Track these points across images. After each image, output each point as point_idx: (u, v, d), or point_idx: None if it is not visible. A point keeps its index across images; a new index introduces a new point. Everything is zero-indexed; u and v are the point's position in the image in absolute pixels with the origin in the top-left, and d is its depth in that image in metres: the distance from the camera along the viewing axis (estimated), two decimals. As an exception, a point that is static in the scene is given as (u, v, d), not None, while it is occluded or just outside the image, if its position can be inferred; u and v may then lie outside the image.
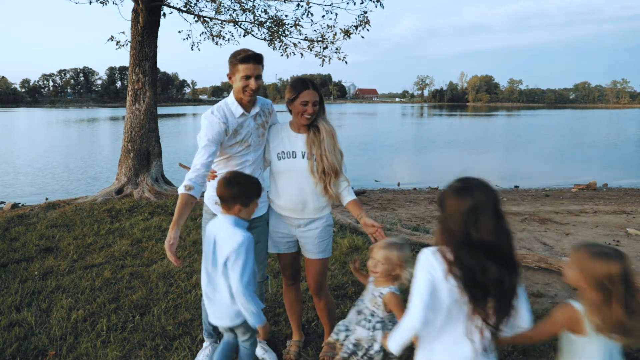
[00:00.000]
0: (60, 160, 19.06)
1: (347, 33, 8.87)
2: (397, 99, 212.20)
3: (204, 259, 2.50)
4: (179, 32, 9.42)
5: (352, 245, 5.32)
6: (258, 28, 9.01)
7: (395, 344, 1.85)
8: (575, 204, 10.00)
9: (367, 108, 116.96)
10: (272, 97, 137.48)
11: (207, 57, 52.54)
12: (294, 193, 2.83)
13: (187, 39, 9.54)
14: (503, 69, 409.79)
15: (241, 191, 2.37)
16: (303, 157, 2.79)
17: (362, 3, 8.60)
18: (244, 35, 9.19)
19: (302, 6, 8.62)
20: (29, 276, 4.43)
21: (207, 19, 9.18)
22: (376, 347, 2.41)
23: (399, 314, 2.27)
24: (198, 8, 9.16)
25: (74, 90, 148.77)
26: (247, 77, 2.65)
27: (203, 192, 2.80)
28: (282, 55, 9.17)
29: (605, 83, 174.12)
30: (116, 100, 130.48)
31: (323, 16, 8.70)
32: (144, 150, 8.43)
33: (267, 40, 9.10)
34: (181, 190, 2.60)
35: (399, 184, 14.06)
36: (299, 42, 9.09)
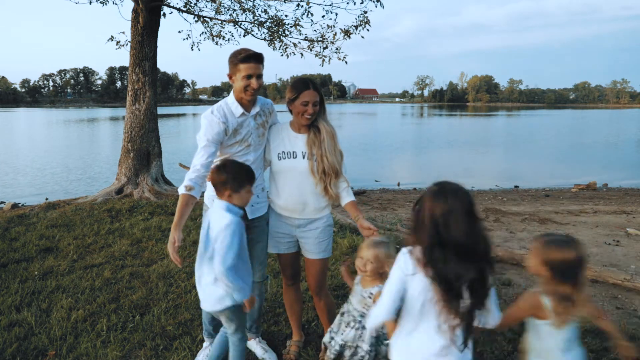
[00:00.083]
0: (60, 160, 19.05)
1: (347, 33, 8.86)
2: (397, 99, 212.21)
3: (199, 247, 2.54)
4: (179, 32, 9.42)
5: (352, 245, 5.32)
6: (258, 28, 9.01)
7: (368, 327, 2.10)
8: (575, 204, 10.00)
9: (367, 108, 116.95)
10: (272, 97, 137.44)
11: (207, 57, 52.52)
12: (294, 193, 2.83)
13: (187, 39, 9.54)
14: (503, 69, 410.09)
15: (230, 177, 2.41)
16: (303, 157, 2.79)
17: (362, 3, 8.60)
18: (244, 35, 9.19)
19: (302, 6, 8.62)
20: (29, 276, 4.43)
21: (207, 19, 9.18)
22: (365, 347, 2.43)
23: None
24: (198, 8, 9.16)
25: (74, 90, 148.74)
26: (249, 77, 2.65)
27: (203, 192, 2.81)
28: (282, 55, 9.18)
29: (605, 83, 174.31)
30: (116, 100, 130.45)
31: (323, 16, 8.70)
32: (144, 150, 8.43)
33: (267, 40, 9.10)
34: (181, 190, 2.60)
35: (399, 184, 14.06)
36: (299, 42, 9.09)
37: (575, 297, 1.92)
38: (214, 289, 2.44)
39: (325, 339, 2.62)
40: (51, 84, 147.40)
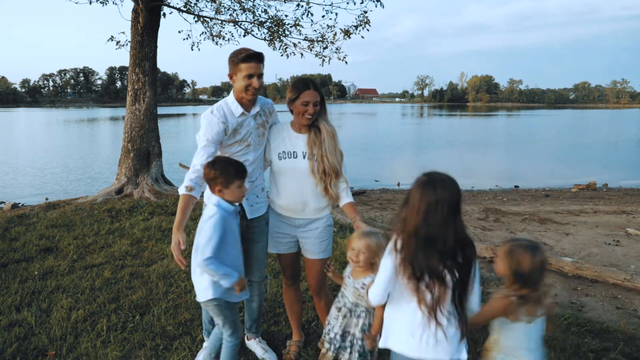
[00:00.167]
0: (60, 160, 19.05)
1: (347, 33, 8.86)
2: (397, 99, 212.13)
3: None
4: (179, 32, 9.42)
5: (352, 245, 5.31)
6: (258, 28, 9.01)
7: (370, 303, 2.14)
8: (575, 204, 10.00)
9: (367, 108, 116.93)
10: (272, 97, 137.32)
11: (207, 57, 52.55)
12: (294, 193, 2.83)
13: (187, 39, 9.54)
14: (503, 69, 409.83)
15: (218, 173, 2.46)
16: (304, 157, 2.79)
17: (362, 3, 8.60)
18: (244, 35, 9.19)
19: (302, 6, 8.62)
20: (29, 276, 4.43)
21: (207, 19, 9.18)
22: (358, 334, 2.51)
23: None
24: (198, 8, 9.16)
25: (74, 90, 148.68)
26: (250, 76, 2.65)
27: (203, 192, 2.81)
28: (282, 55, 9.17)
29: (605, 83, 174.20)
30: (116, 100, 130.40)
31: (323, 16, 8.70)
32: (144, 150, 8.42)
33: (267, 40, 9.10)
34: (182, 191, 2.60)
35: (399, 184, 14.05)
36: (299, 42, 9.09)
37: (538, 298, 2.03)
38: (200, 280, 2.52)
39: (326, 330, 2.65)
40: (51, 84, 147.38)
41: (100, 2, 8.68)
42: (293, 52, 9.20)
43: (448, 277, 1.87)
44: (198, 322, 3.48)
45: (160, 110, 10.95)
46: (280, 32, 8.96)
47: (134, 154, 8.34)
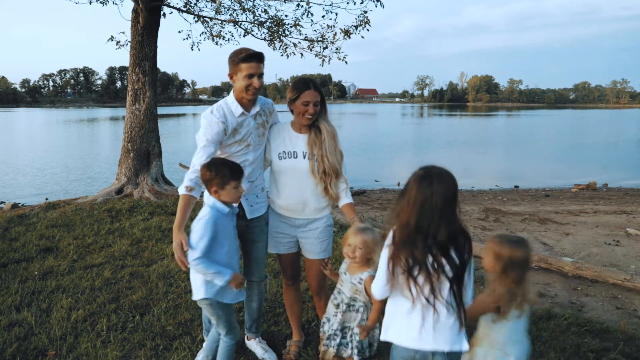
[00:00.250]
0: (60, 160, 19.05)
1: (347, 33, 8.86)
2: (397, 99, 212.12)
3: None
4: (179, 32, 9.42)
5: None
6: (258, 28, 9.01)
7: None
8: (575, 204, 9.99)
9: (367, 108, 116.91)
10: (272, 97, 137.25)
11: (207, 57, 52.57)
12: (294, 193, 2.83)
13: (187, 39, 9.54)
14: (503, 69, 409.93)
15: (213, 174, 2.47)
16: (304, 157, 2.79)
17: (362, 3, 8.60)
18: (244, 35, 9.19)
19: (302, 6, 8.62)
20: (29, 276, 4.43)
21: (207, 19, 9.18)
22: (356, 330, 2.52)
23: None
24: (198, 8, 9.16)
25: (74, 90, 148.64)
26: (250, 76, 2.65)
27: (202, 192, 2.81)
28: (282, 55, 9.17)
29: (605, 83, 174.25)
30: (116, 100, 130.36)
31: (323, 16, 8.70)
32: (144, 150, 8.42)
33: (267, 40, 9.10)
34: (182, 191, 2.60)
35: (399, 184, 14.05)
36: (299, 42, 9.09)
37: (525, 292, 2.07)
38: (193, 279, 2.55)
39: (325, 328, 2.65)
40: (51, 84, 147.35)
41: (100, 2, 8.69)
42: (293, 52, 9.20)
43: (445, 269, 1.88)
44: (198, 322, 3.48)
45: (160, 110, 10.95)
46: (280, 32, 8.96)
47: (134, 154, 8.34)
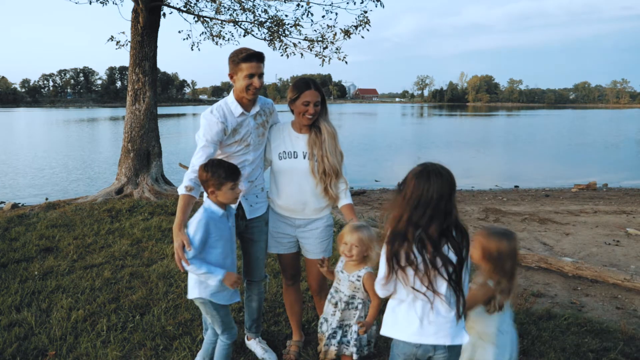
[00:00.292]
0: (60, 160, 19.05)
1: (347, 33, 8.86)
2: (397, 99, 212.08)
3: None
4: (179, 32, 9.42)
5: (352, 245, 5.31)
6: (258, 28, 9.01)
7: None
8: (575, 204, 10.00)
9: (367, 108, 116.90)
10: (272, 97, 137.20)
11: (207, 57, 52.56)
12: (294, 193, 2.83)
13: (187, 39, 9.54)
14: (503, 69, 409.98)
15: (209, 175, 2.49)
16: (304, 157, 2.79)
17: (362, 3, 8.59)
18: (244, 35, 9.18)
19: (302, 6, 8.61)
20: (29, 276, 4.43)
21: (207, 19, 9.18)
22: (355, 328, 2.53)
23: (373, 293, 2.41)
24: (198, 8, 9.16)
25: (74, 90, 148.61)
26: (251, 76, 2.65)
27: (202, 192, 2.81)
28: (282, 55, 9.17)
29: (605, 83, 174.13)
30: (116, 100, 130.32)
31: (323, 16, 8.69)
32: (144, 150, 8.42)
33: (267, 40, 9.09)
34: (181, 191, 2.60)
35: (398, 184, 14.05)
36: (299, 42, 9.08)
37: (510, 284, 2.12)
38: (189, 278, 2.58)
39: (323, 328, 2.64)
40: (51, 84, 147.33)
41: (100, 2, 8.68)
42: (293, 52, 9.20)
43: (438, 263, 1.89)
44: (198, 322, 3.48)
45: (160, 110, 10.95)
46: (280, 32, 8.96)
47: (134, 154, 8.34)
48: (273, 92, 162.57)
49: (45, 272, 4.54)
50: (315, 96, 2.69)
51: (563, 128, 42.77)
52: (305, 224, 2.90)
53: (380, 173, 15.94)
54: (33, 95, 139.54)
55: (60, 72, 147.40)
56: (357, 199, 10.51)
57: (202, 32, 9.43)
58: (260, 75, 2.68)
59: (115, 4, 8.84)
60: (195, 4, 9.12)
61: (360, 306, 2.54)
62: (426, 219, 1.86)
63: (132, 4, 8.16)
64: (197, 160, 2.64)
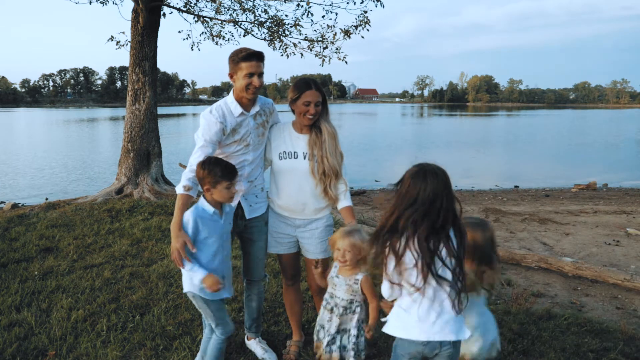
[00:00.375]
0: (60, 160, 19.06)
1: (347, 33, 8.85)
2: (397, 99, 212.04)
3: None
4: (179, 32, 9.41)
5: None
6: (258, 28, 9.00)
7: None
8: (575, 204, 10.00)
9: (367, 108, 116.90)
10: (272, 97, 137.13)
11: (207, 57, 52.52)
12: (293, 193, 2.83)
13: (187, 39, 9.54)
14: (503, 69, 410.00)
15: (206, 173, 2.51)
16: (304, 157, 2.79)
17: (362, 3, 8.59)
18: (244, 35, 9.18)
19: (302, 6, 8.61)
20: (29, 276, 4.43)
21: (207, 19, 9.18)
22: (354, 332, 2.52)
23: (372, 296, 2.45)
24: (198, 8, 9.15)
25: (74, 90, 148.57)
26: (251, 75, 2.65)
27: (199, 191, 2.81)
28: (282, 55, 9.16)
29: (605, 83, 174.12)
30: (116, 100, 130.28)
31: (323, 16, 8.69)
32: (144, 150, 8.42)
33: (267, 40, 9.09)
34: (179, 190, 2.60)
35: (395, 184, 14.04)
36: (299, 42, 9.08)
37: (490, 269, 2.21)
38: (182, 272, 2.61)
39: (315, 340, 2.64)
40: (51, 84, 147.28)
41: (100, 2, 8.68)
42: (293, 52, 9.20)
43: (440, 262, 1.92)
44: (198, 322, 3.48)
45: (160, 110, 10.95)
46: (280, 32, 8.96)
47: (134, 154, 8.34)
48: (273, 92, 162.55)
49: (45, 272, 4.54)
50: (316, 96, 2.69)
51: (563, 128, 42.77)
52: (305, 224, 2.89)
53: (380, 173, 15.95)
54: (33, 95, 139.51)
55: (60, 72, 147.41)
56: (357, 199, 10.52)
57: (202, 32, 9.43)
58: (260, 74, 2.68)
59: (115, 4, 8.85)
60: (195, 4, 9.12)
61: (358, 309, 2.53)
62: (423, 217, 1.89)
63: (132, 4, 8.16)
64: (195, 159, 2.64)
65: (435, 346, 1.97)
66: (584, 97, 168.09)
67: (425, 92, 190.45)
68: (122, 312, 3.68)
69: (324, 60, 9.10)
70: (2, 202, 10.36)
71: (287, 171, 2.83)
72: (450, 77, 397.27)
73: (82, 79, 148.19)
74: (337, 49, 9.04)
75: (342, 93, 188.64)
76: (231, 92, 2.81)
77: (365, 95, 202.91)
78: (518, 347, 3.20)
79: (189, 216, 2.50)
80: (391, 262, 1.96)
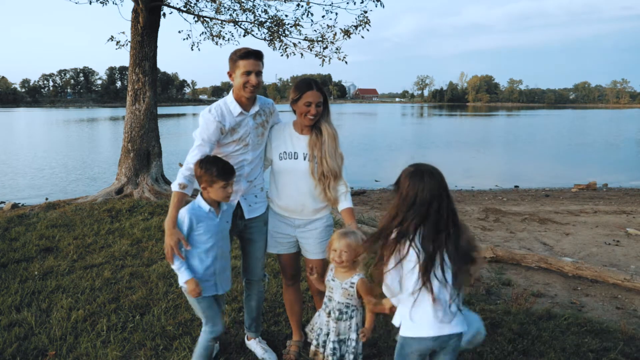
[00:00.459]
0: (60, 160, 19.05)
1: (347, 33, 8.85)
2: (397, 99, 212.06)
3: None
4: (179, 32, 9.41)
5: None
6: (258, 28, 9.00)
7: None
8: (575, 204, 10.00)
9: (367, 108, 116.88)
10: (272, 97, 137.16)
11: (207, 57, 52.55)
12: (293, 194, 2.83)
13: (187, 39, 9.53)
14: (503, 69, 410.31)
15: (203, 171, 2.53)
16: (304, 158, 2.79)
17: (362, 3, 8.59)
18: (244, 35, 9.18)
19: (302, 6, 8.61)
20: (29, 276, 4.43)
21: (207, 19, 9.18)
22: (353, 336, 2.52)
23: (368, 299, 2.43)
24: (198, 8, 9.15)
25: (74, 90, 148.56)
26: (248, 73, 2.65)
27: (195, 190, 2.81)
28: (282, 55, 9.16)
29: (605, 83, 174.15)
30: (116, 100, 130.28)
31: (323, 16, 8.69)
32: (144, 150, 8.42)
33: (267, 40, 9.09)
34: (175, 188, 2.61)
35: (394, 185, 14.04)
36: (299, 42, 9.08)
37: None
38: None
39: (312, 345, 2.63)
40: (51, 84, 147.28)
41: (100, 2, 8.68)
42: (293, 52, 9.19)
43: (439, 261, 1.96)
44: (198, 322, 3.47)
45: (160, 110, 10.95)
46: (280, 32, 8.95)
47: (134, 154, 8.34)
48: (273, 92, 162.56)
49: (45, 272, 4.54)
50: (317, 97, 2.69)
51: (563, 128, 42.76)
52: (305, 224, 2.89)
53: (380, 173, 15.94)
54: (33, 95, 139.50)
55: (60, 72, 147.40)
56: (357, 199, 10.52)
57: (202, 32, 9.43)
58: (258, 73, 2.68)
59: (115, 4, 8.84)
60: (195, 4, 9.12)
61: (354, 314, 2.53)
62: (425, 218, 1.93)
63: (132, 4, 8.16)
64: (192, 158, 2.64)
65: (444, 340, 2.02)
66: (584, 97, 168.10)
67: (425, 92, 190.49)
68: (122, 312, 3.68)
69: (324, 60, 9.09)
70: (2, 202, 10.36)
71: (287, 172, 2.83)
72: (450, 77, 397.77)
73: (82, 79, 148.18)
74: (337, 49, 9.04)
75: (342, 93, 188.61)
76: (231, 92, 2.81)
77: (365, 95, 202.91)
78: (518, 347, 3.20)
79: (184, 214, 2.52)
80: (393, 262, 1.98)
